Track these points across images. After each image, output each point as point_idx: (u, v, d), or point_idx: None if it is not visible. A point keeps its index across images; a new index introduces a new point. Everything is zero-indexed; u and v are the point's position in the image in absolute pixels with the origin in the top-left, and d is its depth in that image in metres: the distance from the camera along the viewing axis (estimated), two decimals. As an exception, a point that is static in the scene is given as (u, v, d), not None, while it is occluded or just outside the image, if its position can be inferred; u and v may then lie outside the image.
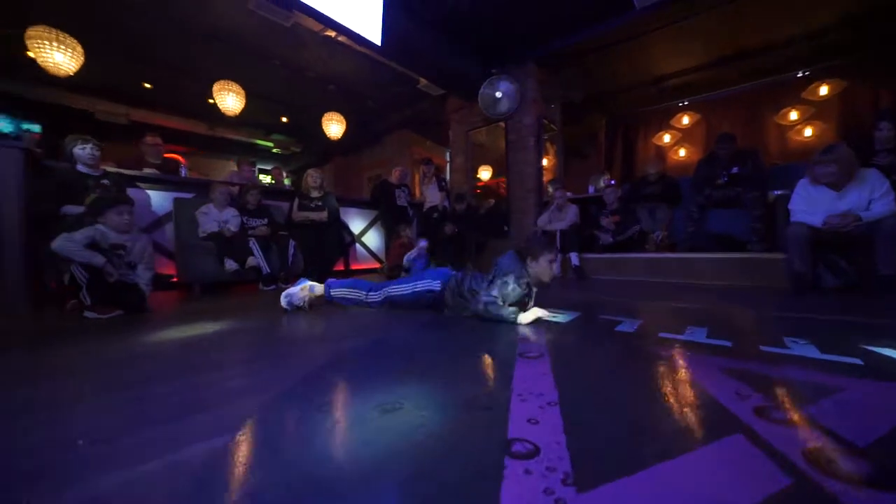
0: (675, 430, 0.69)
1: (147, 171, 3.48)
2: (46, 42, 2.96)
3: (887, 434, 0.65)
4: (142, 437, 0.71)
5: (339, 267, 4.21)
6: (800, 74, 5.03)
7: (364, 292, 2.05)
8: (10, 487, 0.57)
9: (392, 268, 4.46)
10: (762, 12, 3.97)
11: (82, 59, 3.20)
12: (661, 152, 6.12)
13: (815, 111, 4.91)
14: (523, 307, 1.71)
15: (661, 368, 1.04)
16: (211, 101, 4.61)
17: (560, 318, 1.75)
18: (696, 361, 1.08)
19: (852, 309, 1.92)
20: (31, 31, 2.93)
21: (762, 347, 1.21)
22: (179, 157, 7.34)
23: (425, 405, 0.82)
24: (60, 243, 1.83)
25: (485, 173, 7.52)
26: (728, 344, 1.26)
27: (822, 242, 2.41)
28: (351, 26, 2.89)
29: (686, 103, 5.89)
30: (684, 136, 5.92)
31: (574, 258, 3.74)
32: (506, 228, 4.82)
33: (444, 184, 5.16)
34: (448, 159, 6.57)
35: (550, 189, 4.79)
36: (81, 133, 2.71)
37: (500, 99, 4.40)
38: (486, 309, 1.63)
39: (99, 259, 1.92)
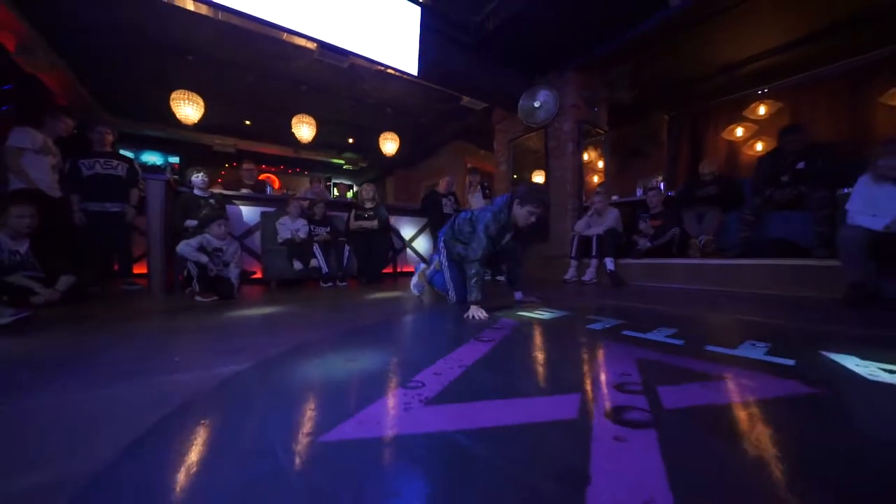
0: (533, 386, 0.91)
1: (243, 190, 4.43)
2: (181, 101, 4.08)
3: (691, 406, 0.80)
4: (200, 360, 1.17)
5: (388, 269, 4.74)
6: (920, 44, 4.16)
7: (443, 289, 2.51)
8: (144, 372, 1.05)
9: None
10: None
11: (203, 110, 4.30)
12: (734, 148, 5.51)
13: (940, 88, 4.02)
14: (500, 241, 2.16)
15: (583, 353, 1.21)
16: (293, 131, 5.56)
17: (546, 315, 1.92)
18: (621, 351, 1.22)
19: (884, 322, 1.72)
20: (174, 94, 4.08)
21: (708, 347, 1.27)
22: (273, 177, 8.81)
23: (373, 361, 1.15)
24: (181, 247, 2.59)
25: (538, 178, 7.54)
26: (680, 343, 1.34)
27: (885, 249, 2.13)
28: (390, 62, 3.38)
29: (766, 91, 5.24)
30: (762, 129, 5.25)
31: (609, 263, 3.69)
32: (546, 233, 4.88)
33: (487, 192, 5.42)
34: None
35: (598, 190, 4.75)
36: (202, 162, 3.70)
37: (538, 108, 4.53)
38: (469, 270, 2.05)
39: (204, 258, 2.65)
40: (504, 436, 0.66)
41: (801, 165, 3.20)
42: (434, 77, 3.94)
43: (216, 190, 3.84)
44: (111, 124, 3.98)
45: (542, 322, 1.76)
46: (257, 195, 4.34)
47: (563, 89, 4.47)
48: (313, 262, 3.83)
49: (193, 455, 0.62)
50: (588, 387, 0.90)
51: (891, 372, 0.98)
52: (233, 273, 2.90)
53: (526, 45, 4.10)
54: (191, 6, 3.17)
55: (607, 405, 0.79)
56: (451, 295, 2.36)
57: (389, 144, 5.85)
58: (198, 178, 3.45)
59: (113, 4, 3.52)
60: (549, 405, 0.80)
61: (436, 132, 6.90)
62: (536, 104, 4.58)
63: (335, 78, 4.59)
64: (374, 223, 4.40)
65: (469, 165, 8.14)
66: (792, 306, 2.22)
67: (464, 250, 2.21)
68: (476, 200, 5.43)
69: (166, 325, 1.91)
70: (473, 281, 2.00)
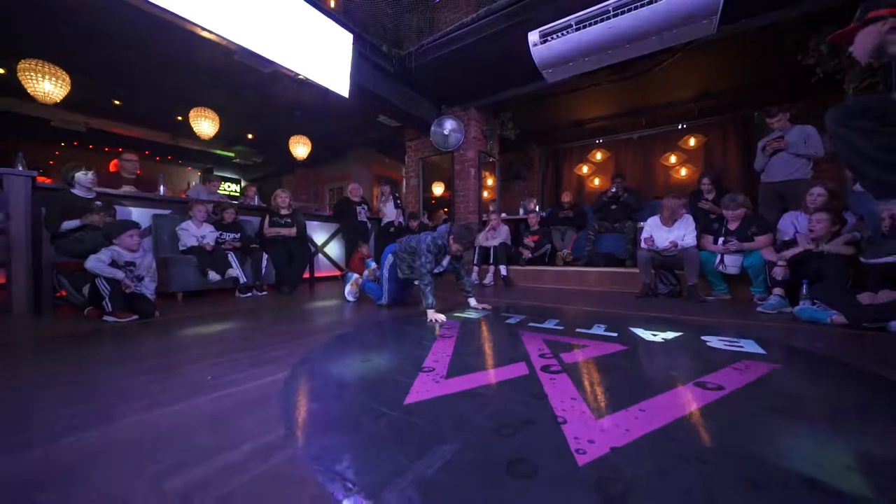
0: (495, 361, 1.52)
1: (126, 188, 3.83)
2: (33, 73, 3.23)
3: (579, 362, 1.54)
4: (189, 379, 1.39)
5: (306, 275, 4.76)
6: (679, 127, 6.52)
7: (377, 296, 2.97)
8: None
9: (352, 276, 5.10)
10: (648, 85, 5.24)
11: (69, 87, 3.49)
12: (581, 181, 7.41)
13: (686, 157, 6.42)
14: (440, 259, 2.73)
15: (512, 338, 1.90)
16: (180, 118, 4.93)
17: (476, 314, 2.59)
18: (533, 335, 1.96)
19: (657, 307, 2.99)
20: (24, 63, 3.19)
21: (578, 329, 2.12)
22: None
23: (384, 359, 1.59)
24: (91, 263, 2.30)
25: (437, 189, 8.39)
26: (562, 327, 2.16)
27: (659, 262, 3.55)
28: (323, 81, 3.57)
29: (601, 141, 7.22)
30: (598, 169, 7.24)
31: (503, 269, 4.68)
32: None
33: (399, 202, 5.91)
34: (404, 175, 7.35)
35: (491, 207, 5.77)
36: (35, 139, 3.06)
37: (447, 136, 5.27)
38: (422, 282, 2.54)
39: (120, 273, 2.41)
40: (497, 385, 1.25)
41: (624, 198, 4.75)
42: (361, 99, 4.23)
43: (98, 188, 3.27)
44: None
45: (475, 320, 2.42)
46: (149, 195, 3.81)
47: (467, 123, 5.32)
48: (230, 272, 3.66)
49: None
50: (526, 358, 1.57)
51: (654, 334, 1.96)
52: (148, 288, 2.67)
53: (439, 84, 4.77)
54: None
55: (539, 364, 1.46)
56: (385, 299, 2.89)
57: (301, 148, 5.72)
58: (86, 176, 2.92)
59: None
60: (509, 370, 1.42)
61: (346, 138, 6.99)
62: (445, 132, 5.31)
63: (247, 77, 4.35)
64: (293, 230, 4.40)
65: (375, 172, 8.45)
66: (616, 299, 3.45)
67: (409, 269, 2.76)
68: (388, 210, 5.86)
69: (135, 352, 1.83)
70: (428, 290, 2.50)
